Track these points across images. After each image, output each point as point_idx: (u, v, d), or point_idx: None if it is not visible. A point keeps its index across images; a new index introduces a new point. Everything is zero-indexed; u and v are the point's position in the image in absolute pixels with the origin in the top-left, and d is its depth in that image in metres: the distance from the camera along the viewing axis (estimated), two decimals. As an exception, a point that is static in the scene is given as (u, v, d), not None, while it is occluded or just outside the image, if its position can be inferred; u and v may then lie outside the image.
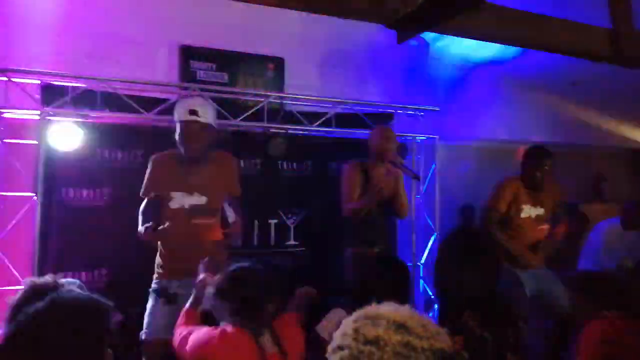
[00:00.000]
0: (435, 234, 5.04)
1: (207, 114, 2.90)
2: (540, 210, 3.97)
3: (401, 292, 2.19)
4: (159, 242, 2.97)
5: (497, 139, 5.50)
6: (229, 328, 2.07)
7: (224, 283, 2.19)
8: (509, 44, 2.70)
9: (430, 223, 5.07)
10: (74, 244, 3.81)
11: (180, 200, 2.90)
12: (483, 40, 2.63)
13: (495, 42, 2.87)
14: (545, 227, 3.97)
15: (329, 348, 1.10)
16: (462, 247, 1.86)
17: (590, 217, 5.91)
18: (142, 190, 3.07)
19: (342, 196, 3.79)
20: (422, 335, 1.02)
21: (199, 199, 2.88)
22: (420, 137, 5.10)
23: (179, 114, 2.91)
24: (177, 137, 2.91)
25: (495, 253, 1.98)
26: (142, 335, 2.92)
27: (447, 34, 2.21)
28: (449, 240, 2.01)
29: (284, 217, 4.55)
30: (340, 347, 1.05)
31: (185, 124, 2.84)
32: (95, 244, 3.85)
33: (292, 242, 4.54)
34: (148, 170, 3.07)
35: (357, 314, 1.11)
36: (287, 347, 2.08)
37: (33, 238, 3.66)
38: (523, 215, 3.92)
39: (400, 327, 1.02)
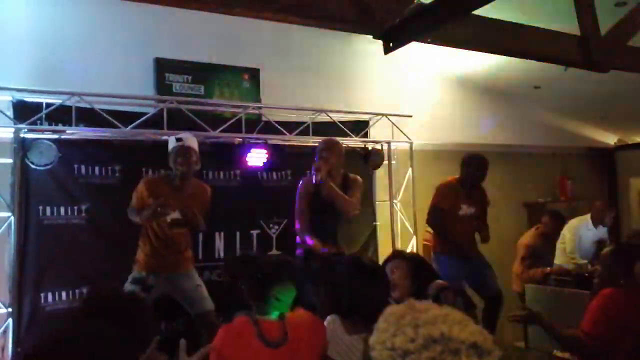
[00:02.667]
0: (415, 237, 5.14)
1: (188, 140, 3.63)
2: (472, 209, 4.40)
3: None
4: (140, 242, 3.62)
5: (467, 143, 5.65)
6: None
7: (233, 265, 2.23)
8: (487, 52, 2.82)
9: (409, 227, 5.17)
10: (53, 262, 3.72)
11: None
12: (463, 48, 2.73)
13: (474, 50, 2.98)
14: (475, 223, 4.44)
15: None
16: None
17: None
18: (132, 201, 3.57)
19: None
20: (491, 350, 0.95)
21: (177, 215, 3.57)
22: (396, 143, 5.20)
23: (170, 144, 3.62)
24: (171, 163, 3.58)
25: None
26: None
27: (430, 44, 2.29)
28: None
29: (266, 228, 4.55)
30: None
31: (174, 149, 3.58)
32: (75, 262, 3.78)
33: (274, 251, 4.54)
34: (139, 187, 3.57)
35: (415, 334, 0.96)
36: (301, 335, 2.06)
37: (10, 258, 3.56)
38: (461, 213, 4.36)
39: (476, 349, 0.93)
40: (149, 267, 3.55)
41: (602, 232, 5.29)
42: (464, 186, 4.39)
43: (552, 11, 3.10)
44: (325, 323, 2.24)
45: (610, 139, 7.81)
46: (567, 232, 5.13)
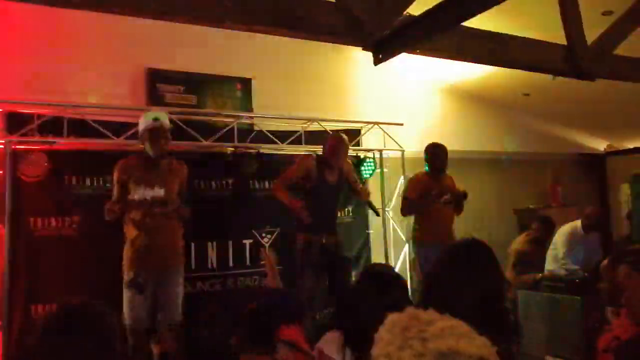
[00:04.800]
0: (407, 245, 5.15)
1: (165, 120, 3.47)
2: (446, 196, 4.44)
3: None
4: (127, 237, 3.40)
5: (458, 150, 5.69)
6: None
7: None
8: (474, 62, 2.87)
9: (401, 234, 5.19)
10: (44, 274, 3.69)
11: (142, 193, 3.35)
12: (452, 59, 2.77)
13: (462, 61, 3.01)
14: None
15: None
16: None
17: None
18: (113, 196, 3.42)
19: (280, 176, 3.85)
20: None
21: (158, 191, 3.38)
22: (387, 151, 5.23)
23: (146, 122, 3.40)
24: (146, 141, 3.38)
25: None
26: (127, 322, 3.23)
27: (420, 55, 2.32)
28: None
29: (259, 237, 4.55)
30: None
31: (152, 129, 3.37)
32: (66, 274, 3.75)
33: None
34: (114, 175, 3.44)
35: (423, 349, 0.93)
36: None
37: (2, 270, 3.54)
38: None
39: None
40: (135, 263, 3.30)
41: (593, 237, 5.32)
42: (430, 174, 4.50)
43: (539, 21, 3.16)
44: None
45: (600, 145, 7.89)
46: (559, 238, 5.16)
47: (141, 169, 3.39)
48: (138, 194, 3.35)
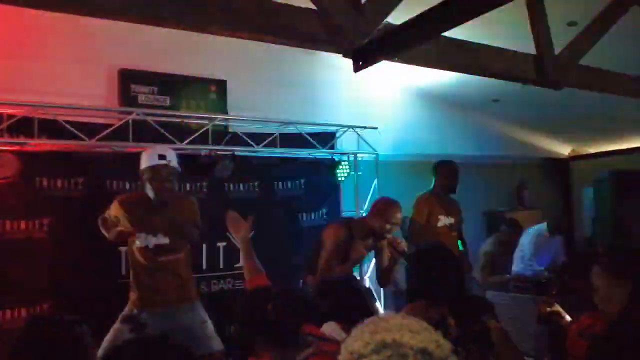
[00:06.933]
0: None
1: (173, 159, 3.15)
2: (451, 219, 4.30)
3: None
4: (130, 274, 3.19)
5: (431, 154, 5.81)
6: None
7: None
8: (450, 70, 2.95)
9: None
10: (13, 278, 3.60)
11: (145, 240, 3.08)
12: (426, 67, 2.86)
13: (437, 69, 3.10)
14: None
15: None
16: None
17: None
18: (103, 228, 3.18)
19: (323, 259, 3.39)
20: (442, 357, 1.04)
21: (163, 239, 3.09)
22: (362, 154, 5.30)
23: (149, 159, 3.11)
24: (147, 182, 3.10)
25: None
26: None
27: (398, 62, 2.39)
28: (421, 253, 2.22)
29: (233, 239, 4.54)
30: None
31: (156, 168, 3.06)
32: (36, 277, 3.67)
33: (241, 263, 4.53)
34: (112, 208, 3.16)
35: (371, 339, 1.06)
36: None
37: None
38: (439, 224, 4.23)
39: (425, 354, 1.03)
40: (141, 303, 3.07)
41: (557, 240, 5.51)
42: (438, 196, 4.27)
43: (510, 32, 3.27)
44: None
45: (564, 149, 8.17)
46: (525, 239, 5.33)
47: (142, 211, 3.08)
48: (139, 240, 3.08)
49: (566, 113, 6.13)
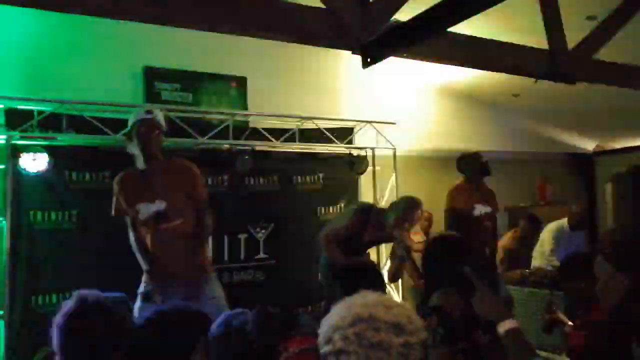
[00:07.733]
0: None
1: (159, 116, 3.12)
2: (488, 209, 4.32)
3: None
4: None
5: (450, 149, 5.81)
6: None
7: None
8: (459, 66, 2.98)
9: (393, 231, 5.30)
10: (45, 267, 3.81)
11: (145, 209, 3.03)
12: (437, 63, 2.89)
13: (447, 64, 3.13)
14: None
15: (325, 347, 1.16)
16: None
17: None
18: (112, 210, 3.19)
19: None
20: (414, 331, 1.16)
21: (160, 205, 3.00)
22: (380, 149, 5.35)
23: (137, 114, 3.10)
24: (135, 138, 3.02)
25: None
26: None
27: (407, 58, 2.44)
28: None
29: (253, 232, 4.67)
30: (344, 352, 1.13)
31: (143, 120, 3.02)
32: (66, 266, 3.86)
33: (261, 255, 4.66)
34: (114, 191, 3.18)
35: (348, 313, 1.17)
36: None
37: (3, 262, 3.65)
38: (476, 213, 4.25)
39: (397, 328, 1.14)
40: (153, 278, 3.04)
41: (579, 235, 5.46)
42: (473, 184, 4.30)
43: (522, 26, 3.28)
44: None
45: (589, 145, 8.03)
46: (546, 235, 5.30)
47: (134, 182, 3.06)
48: (141, 212, 3.03)
49: (590, 108, 6.04)
